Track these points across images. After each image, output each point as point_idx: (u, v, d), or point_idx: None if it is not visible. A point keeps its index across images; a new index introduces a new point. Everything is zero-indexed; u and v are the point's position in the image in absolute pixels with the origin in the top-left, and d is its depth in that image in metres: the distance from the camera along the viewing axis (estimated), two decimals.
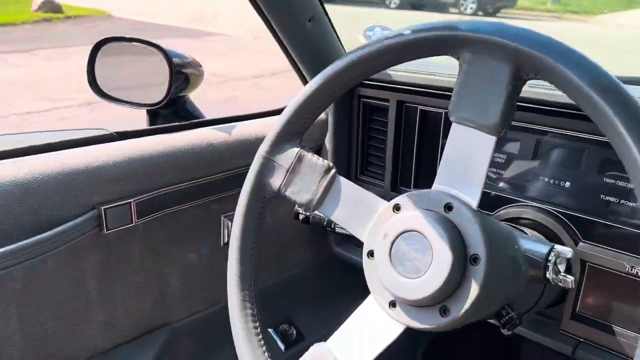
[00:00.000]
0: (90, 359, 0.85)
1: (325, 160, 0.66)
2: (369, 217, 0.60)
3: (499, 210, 0.85)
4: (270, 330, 1.13)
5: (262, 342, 0.67)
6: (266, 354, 0.66)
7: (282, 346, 1.14)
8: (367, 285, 0.58)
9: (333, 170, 0.65)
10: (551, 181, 0.81)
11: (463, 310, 0.52)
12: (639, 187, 0.43)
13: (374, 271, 0.58)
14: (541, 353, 1.19)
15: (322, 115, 1.12)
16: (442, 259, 0.52)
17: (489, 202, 0.87)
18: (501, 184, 0.86)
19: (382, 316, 0.58)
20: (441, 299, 0.53)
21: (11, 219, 0.72)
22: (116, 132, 0.89)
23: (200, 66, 1.12)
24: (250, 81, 5.98)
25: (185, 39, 7.39)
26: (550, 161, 0.82)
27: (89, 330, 0.85)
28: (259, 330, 0.68)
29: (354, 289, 0.63)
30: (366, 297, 0.59)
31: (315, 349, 0.62)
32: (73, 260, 0.80)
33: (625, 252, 0.73)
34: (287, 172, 0.67)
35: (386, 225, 0.57)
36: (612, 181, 0.75)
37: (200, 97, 1.12)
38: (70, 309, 0.82)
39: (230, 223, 0.97)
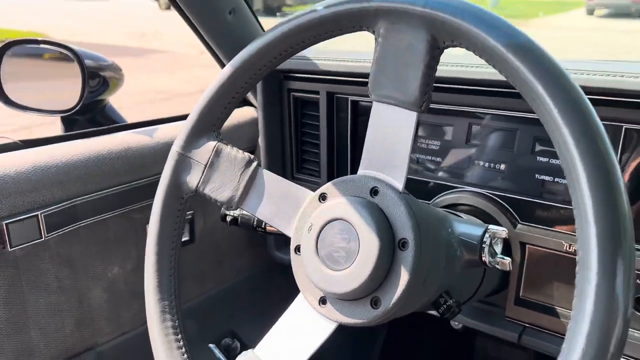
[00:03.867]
0: None
1: (246, 153, 0.61)
2: (295, 210, 0.56)
3: (436, 198, 0.82)
4: (211, 346, 1.06)
5: (186, 356, 0.61)
6: None
7: None
8: None
9: (254, 163, 0.61)
10: (486, 164, 0.79)
11: (394, 299, 0.48)
12: (558, 145, 0.40)
13: (302, 267, 0.53)
14: (491, 342, 1.18)
15: (254, 114, 1.07)
16: (369, 247, 0.48)
17: (427, 190, 0.84)
18: (438, 172, 0.84)
19: (313, 315, 0.53)
20: (371, 290, 0.49)
21: None
22: (21, 141, 0.81)
23: (121, 70, 1.05)
24: (198, 96, 5.86)
25: (127, 57, 7.18)
26: (485, 144, 0.80)
27: None
28: (181, 343, 0.62)
29: (298, 293, 0.58)
30: (290, 282, 0.55)
31: (242, 358, 0.56)
32: None
33: (562, 230, 0.72)
34: (205, 168, 0.62)
35: (311, 217, 0.53)
36: (546, 159, 0.74)
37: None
38: None
39: None
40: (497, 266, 0.61)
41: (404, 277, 0.48)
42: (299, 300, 0.55)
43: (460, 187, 0.81)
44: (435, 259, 0.53)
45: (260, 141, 0.98)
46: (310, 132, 0.96)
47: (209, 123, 0.63)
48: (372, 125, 0.52)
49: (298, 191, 0.58)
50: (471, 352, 1.20)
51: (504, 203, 0.77)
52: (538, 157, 0.74)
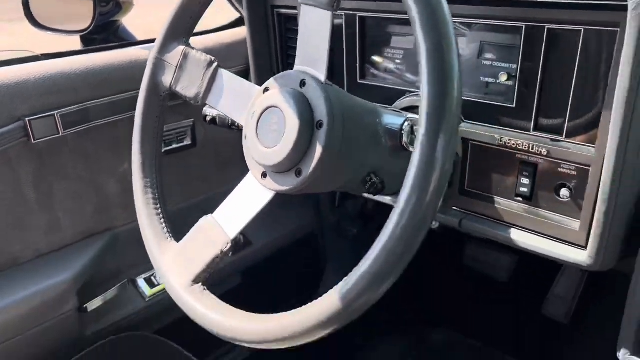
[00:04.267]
0: (37, 258, 0.95)
1: (208, 56, 0.73)
2: (247, 102, 0.67)
3: (396, 102, 0.90)
4: None
5: (163, 220, 0.76)
6: (165, 229, 0.75)
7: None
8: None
9: (215, 64, 0.72)
10: None
11: (311, 169, 0.59)
12: (414, 35, 0.49)
13: (248, 149, 0.66)
14: (474, 244, 1.28)
15: (246, 33, 1.17)
16: (292, 127, 0.59)
17: (391, 95, 0.92)
18: (399, 78, 0.92)
19: (257, 187, 0.66)
20: (295, 163, 0.61)
21: None
22: (42, 54, 0.96)
23: None
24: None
25: None
26: None
27: (32, 233, 0.94)
28: (160, 211, 0.77)
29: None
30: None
31: (202, 221, 0.71)
32: (6, 168, 0.89)
33: (494, 125, 0.79)
34: (176, 69, 0.75)
35: (254, 106, 0.64)
36: (489, 63, 0.80)
37: None
38: (10, 213, 0.91)
39: None
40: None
41: (318, 151, 0.59)
42: (248, 176, 0.68)
43: (417, 92, 0.89)
44: (355, 140, 0.63)
45: (250, 58, 1.09)
46: (294, 46, 1.05)
47: (179, 30, 0.75)
48: (300, 26, 0.62)
49: (250, 87, 0.69)
50: (454, 253, 1.31)
51: None
52: (483, 61, 0.81)
